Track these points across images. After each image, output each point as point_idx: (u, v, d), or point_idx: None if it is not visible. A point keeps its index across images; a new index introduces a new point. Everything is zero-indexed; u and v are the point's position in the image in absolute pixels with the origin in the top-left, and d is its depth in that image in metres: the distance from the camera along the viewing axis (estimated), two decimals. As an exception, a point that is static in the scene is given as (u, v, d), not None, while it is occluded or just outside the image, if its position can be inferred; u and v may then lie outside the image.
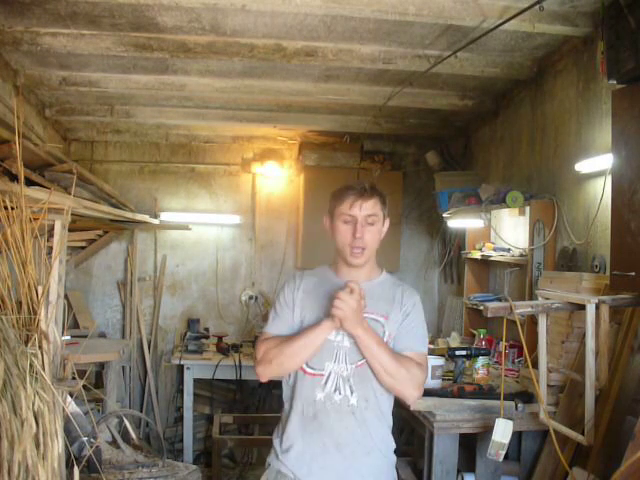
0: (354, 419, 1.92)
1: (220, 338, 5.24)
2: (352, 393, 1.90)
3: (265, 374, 1.93)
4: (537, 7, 2.65)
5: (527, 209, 3.57)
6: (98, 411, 3.96)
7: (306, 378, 1.94)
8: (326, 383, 1.91)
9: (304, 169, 5.40)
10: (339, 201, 1.95)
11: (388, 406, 2.00)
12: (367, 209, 1.93)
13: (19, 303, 2.09)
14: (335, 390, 1.90)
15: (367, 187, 1.95)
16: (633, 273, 2.27)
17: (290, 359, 1.89)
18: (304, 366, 1.94)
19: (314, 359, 1.92)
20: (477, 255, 4.21)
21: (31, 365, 1.90)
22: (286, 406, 2.00)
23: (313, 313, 1.96)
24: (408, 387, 1.89)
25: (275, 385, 4.87)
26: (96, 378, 4.51)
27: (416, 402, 1.93)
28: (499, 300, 3.96)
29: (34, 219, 2.18)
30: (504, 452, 2.47)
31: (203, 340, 5.17)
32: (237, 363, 4.85)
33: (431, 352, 3.60)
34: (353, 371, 1.91)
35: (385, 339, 1.93)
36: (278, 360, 1.89)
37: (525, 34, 3.18)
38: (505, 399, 2.60)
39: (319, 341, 1.88)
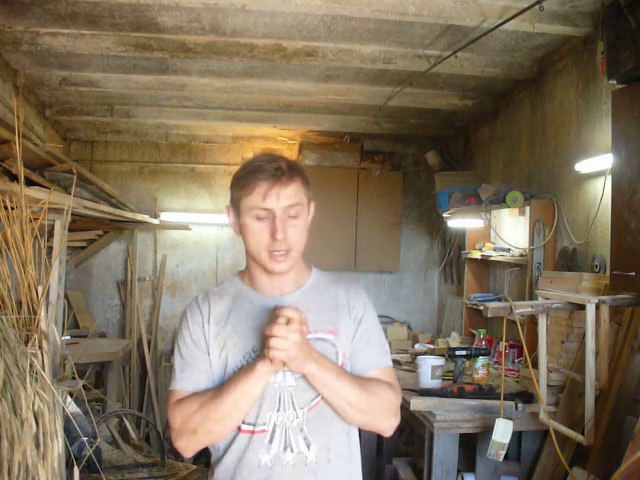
0: None
1: (220, 338, 5.23)
2: (309, 446, 1.40)
3: (189, 448, 1.42)
4: (537, 7, 2.65)
5: (527, 209, 3.57)
6: (98, 411, 3.96)
7: (243, 438, 1.40)
8: (271, 441, 1.39)
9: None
10: (246, 190, 1.39)
11: (356, 443, 1.51)
12: (288, 198, 1.38)
13: (19, 303, 2.09)
14: (285, 448, 1.39)
15: (284, 166, 1.40)
16: (633, 273, 2.27)
17: (220, 424, 1.36)
18: None
19: (250, 412, 1.39)
20: (477, 255, 4.21)
21: (31, 365, 1.90)
22: (219, 476, 1.44)
23: (238, 352, 1.41)
24: (384, 418, 1.44)
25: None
26: (96, 378, 4.51)
27: (393, 430, 1.47)
28: (499, 300, 3.96)
29: (34, 219, 2.18)
30: (504, 452, 2.47)
31: (203, 340, 5.16)
32: (237, 363, 4.85)
33: (431, 352, 3.62)
34: (305, 417, 1.40)
35: (340, 362, 1.44)
36: (204, 428, 1.37)
37: (525, 34, 3.18)
38: (505, 399, 2.60)
39: (256, 392, 1.35)
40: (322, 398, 1.40)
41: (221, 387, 1.38)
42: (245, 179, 1.41)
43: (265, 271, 1.45)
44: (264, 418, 1.39)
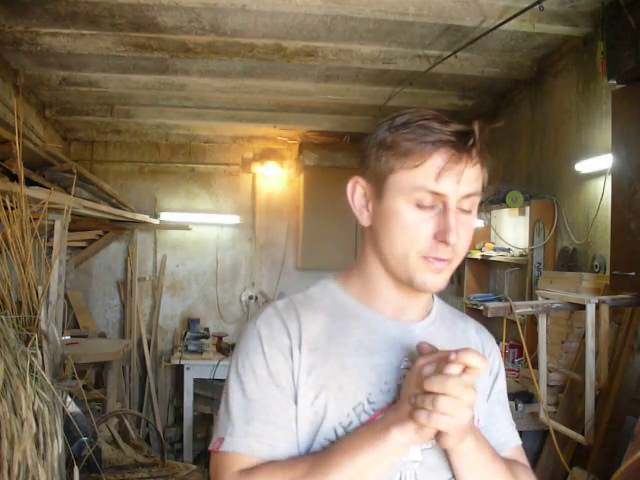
0: None
1: (220, 338, 5.24)
2: None
3: None
4: (537, 7, 2.65)
5: (527, 209, 3.57)
6: (98, 411, 3.96)
7: None
8: None
9: (304, 169, 5.40)
10: (410, 159, 0.91)
11: None
12: (470, 183, 0.93)
13: (19, 303, 2.09)
14: None
15: (477, 134, 0.91)
16: (633, 273, 2.27)
17: None
18: None
19: None
20: (477, 255, 4.21)
21: (31, 365, 1.90)
22: None
23: (345, 401, 0.92)
24: None
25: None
26: (96, 378, 4.51)
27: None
28: (499, 300, 3.96)
29: (34, 219, 2.18)
30: (504, 452, 2.46)
31: (203, 340, 5.17)
32: (237, 363, 4.85)
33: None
34: None
35: None
36: None
37: (525, 34, 3.18)
38: (505, 399, 2.60)
39: (379, 473, 0.87)
40: None
41: (318, 458, 0.88)
42: (410, 141, 0.90)
43: (401, 284, 0.97)
44: None
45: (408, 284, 0.95)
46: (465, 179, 0.91)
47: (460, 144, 0.90)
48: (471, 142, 0.90)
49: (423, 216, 0.92)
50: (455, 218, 0.91)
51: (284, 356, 0.92)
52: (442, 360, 0.83)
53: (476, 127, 0.92)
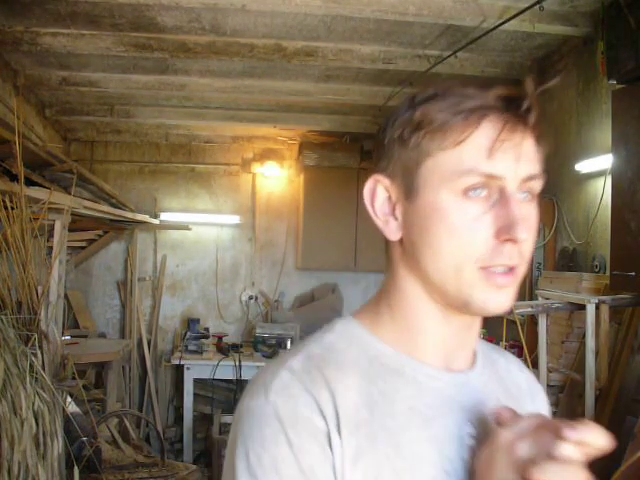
0: None
1: (220, 338, 5.24)
2: None
3: None
4: (537, 7, 2.65)
5: (527, 209, 3.57)
6: (98, 411, 3.96)
7: None
8: None
9: (304, 169, 5.41)
10: (450, 136, 0.69)
11: None
12: (532, 161, 0.75)
13: (19, 303, 2.09)
14: None
15: (533, 100, 0.74)
16: (633, 273, 2.27)
17: None
18: None
19: None
20: (477, 255, 4.21)
21: (31, 365, 1.90)
22: None
23: None
24: None
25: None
26: (96, 378, 4.51)
27: None
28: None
29: (34, 219, 2.18)
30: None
31: (203, 340, 5.17)
32: (237, 363, 4.85)
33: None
34: None
35: None
36: None
37: (525, 34, 3.18)
38: (505, 399, 2.60)
39: None
40: None
41: None
42: (446, 111, 0.69)
43: (451, 312, 0.72)
44: None
45: (462, 308, 0.70)
46: (525, 155, 0.71)
47: (511, 110, 0.71)
48: (526, 105, 0.71)
49: (476, 210, 0.68)
50: (518, 209, 0.68)
51: (320, 445, 0.64)
52: (540, 432, 0.61)
53: (529, 85, 0.72)
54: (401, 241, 0.74)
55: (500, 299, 0.69)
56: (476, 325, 0.76)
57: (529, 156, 0.72)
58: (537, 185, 0.74)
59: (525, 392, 0.86)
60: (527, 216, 0.70)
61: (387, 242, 0.76)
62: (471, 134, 0.68)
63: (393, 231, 0.73)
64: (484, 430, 0.70)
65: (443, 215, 0.68)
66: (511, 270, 0.69)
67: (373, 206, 0.74)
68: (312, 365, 0.69)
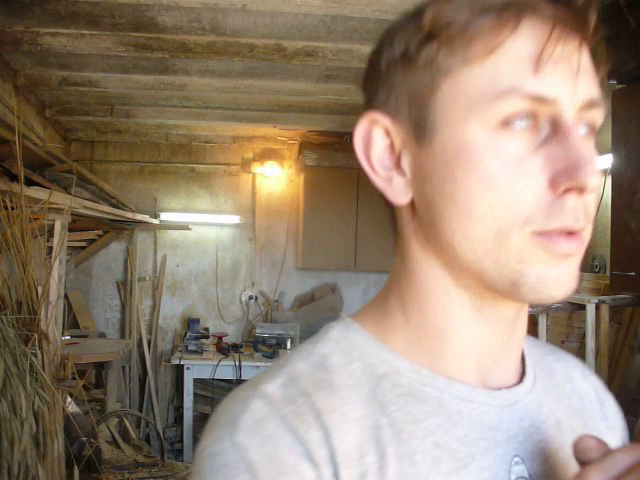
0: None
1: (220, 338, 5.24)
2: None
3: None
4: (537, 7, 2.65)
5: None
6: (98, 411, 3.96)
7: None
8: None
9: (304, 169, 5.41)
10: (480, 38, 0.45)
11: None
12: (590, 81, 0.47)
13: (19, 303, 2.09)
14: None
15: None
16: (633, 273, 2.27)
17: None
18: None
19: None
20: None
21: (31, 365, 1.90)
22: None
23: None
24: None
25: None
26: (96, 378, 4.51)
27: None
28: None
29: (34, 219, 2.18)
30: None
31: (203, 340, 5.18)
32: (237, 363, 4.86)
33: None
34: None
35: None
36: None
37: (525, 34, 3.18)
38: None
39: None
40: None
41: None
42: (466, 9, 0.47)
43: (487, 301, 0.51)
44: None
45: (507, 293, 0.49)
46: (584, 71, 0.47)
47: (562, 3, 0.45)
48: (584, 12, 0.46)
49: (521, 148, 0.46)
50: (582, 145, 0.46)
51: None
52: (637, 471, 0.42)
53: None
54: (412, 205, 0.52)
55: (563, 274, 0.50)
56: (522, 319, 0.54)
57: (588, 73, 0.48)
58: (599, 116, 0.49)
59: (594, 407, 0.62)
60: (593, 157, 0.47)
61: (392, 210, 0.56)
62: (507, 39, 0.45)
63: (399, 191, 0.53)
64: (544, 470, 0.51)
65: (473, 159, 0.46)
66: (575, 234, 0.49)
67: (369, 158, 0.56)
68: (297, 390, 0.48)
